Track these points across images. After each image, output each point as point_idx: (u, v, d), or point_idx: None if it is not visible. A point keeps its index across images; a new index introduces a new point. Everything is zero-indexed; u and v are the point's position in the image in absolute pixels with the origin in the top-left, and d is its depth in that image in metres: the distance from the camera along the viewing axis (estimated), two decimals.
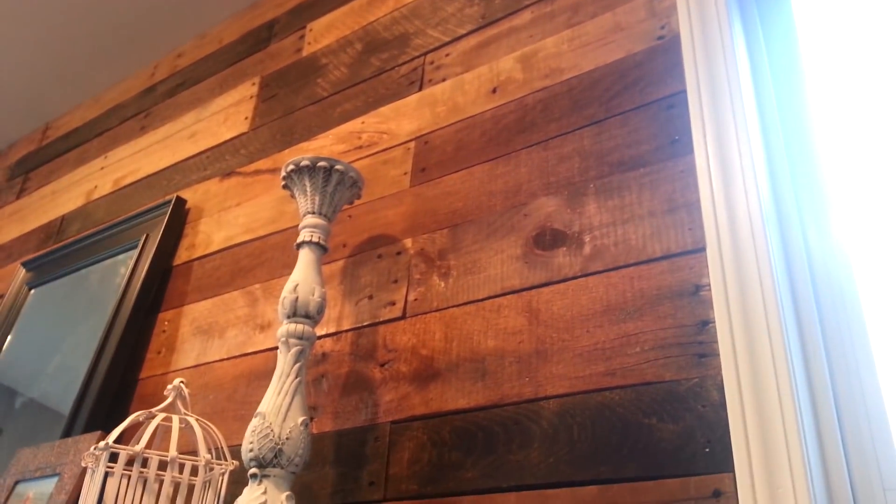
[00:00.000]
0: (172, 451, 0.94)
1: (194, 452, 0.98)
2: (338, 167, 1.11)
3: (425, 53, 1.45)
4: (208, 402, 1.30)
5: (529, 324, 1.00)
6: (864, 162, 1.00)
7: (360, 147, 1.42)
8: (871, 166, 0.99)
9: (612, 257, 0.98)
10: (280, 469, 0.91)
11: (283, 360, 0.98)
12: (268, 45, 1.88)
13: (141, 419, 1.01)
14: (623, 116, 1.09)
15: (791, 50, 1.10)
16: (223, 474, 0.99)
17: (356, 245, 1.29)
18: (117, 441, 0.95)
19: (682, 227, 0.95)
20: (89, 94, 2.43)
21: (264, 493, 0.89)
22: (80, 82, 2.39)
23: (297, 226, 1.12)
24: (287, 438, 0.92)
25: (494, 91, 1.28)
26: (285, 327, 1.00)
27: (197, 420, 1.01)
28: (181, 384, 1.05)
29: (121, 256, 1.69)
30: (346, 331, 1.19)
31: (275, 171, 1.56)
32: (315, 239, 1.08)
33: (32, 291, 1.88)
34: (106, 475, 0.93)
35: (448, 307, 1.09)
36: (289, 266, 1.34)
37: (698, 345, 0.86)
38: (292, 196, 1.15)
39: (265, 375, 1.24)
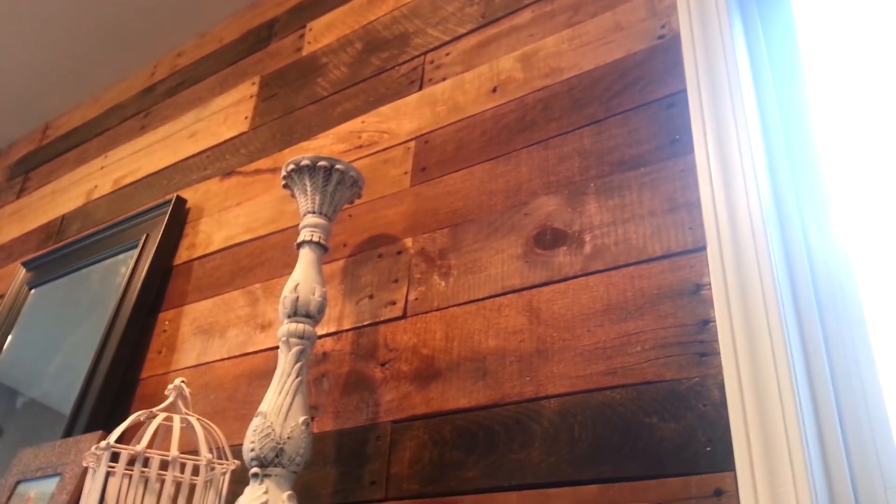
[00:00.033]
0: (174, 451, 0.94)
1: (195, 452, 0.98)
2: (338, 167, 1.11)
3: (425, 53, 1.45)
4: (209, 401, 1.30)
5: (530, 323, 1.00)
6: (865, 160, 1.00)
7: (361, 146, 1.42)
8: (872, 165, 0.99)
9: (613, 257, 0.98)
10: (281, 468, 0.91)
11: (284, 359, 0.99)
12: (268, 45, 1.88)
13: (142, 419, 1.01)
14: (623, 116, 1.09)
15: (791, 49, 1.10)
16: (224, 474, 0.99)
17: (357, 244, 1.29)
18: (118, 441, 0.95)
19: (683, 226, 0.95)
20: (89, 93, 2.43)
21: (266, 492, 0.89)
22: (79, 82, 2.39)
23: (298, 225, 1.12)
24: (288, 438, 0.92)
25: (495, 90, 1.28)
26: (286, 327, 1.00)
27: (198, 420, 1.01)
28: (182, 384, 1.05)
29: (121, 256, 1.69)
30: (347, 330, 1.20)
31: (275, 170, 1.56)
32: (315, 238, 1.08)
33: (33, 291, 1.88)
34: (107, 475, 0.93)
35: (449, 306, 1.09)
36: (289, 265, 1.34)
37: (699, 344, 0.86)
38: (293, 195, 1.15)
39: (266, 375, 1.24)
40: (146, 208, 1.72)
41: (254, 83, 1.81)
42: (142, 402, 1.40)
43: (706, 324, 0.86)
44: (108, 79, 2.37)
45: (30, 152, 2.53)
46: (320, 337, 1.21)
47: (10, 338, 1.82)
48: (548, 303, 1.00)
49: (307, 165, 1.10)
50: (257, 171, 1.60)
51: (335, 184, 1.11)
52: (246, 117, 1.75)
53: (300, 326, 1.00)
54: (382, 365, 1.11)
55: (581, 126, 1.13)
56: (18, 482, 1.28)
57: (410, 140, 1.35)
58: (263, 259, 1.43)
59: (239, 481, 1.05)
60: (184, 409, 1.03)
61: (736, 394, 0.78)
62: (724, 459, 0.77)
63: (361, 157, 1.40)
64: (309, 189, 1.11)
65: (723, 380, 0.81)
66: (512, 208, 1.13)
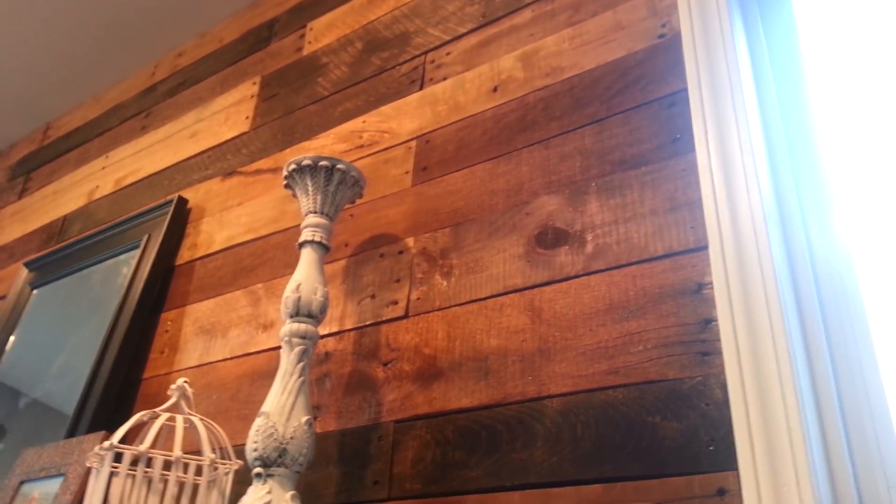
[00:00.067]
0: (177, 451, 0.95)
1: (198, 452, 0.98)
2: (339, 166, 1.11)
3: (426, 52, 1.45)
4: (212, 401, 1.30)
5: (532, 323, 1.00)
6: (866, 159, 1.00)
7: (362, 146, 1.43)
8: (873, 163, 0.99)
9: (615, 256, 0.98)
10: (284, 468, 0.91)
11: (287, 359, 0.99)
12: (268, 45, 1.88)
13: (145, 419, 1.01)
14: (624, 115, 1.09)
15: (792, 47, 1.10)
16: (228, 474, 0.99)
17: (358, 244, 1.29)
18: (122, 441, 0.96)
19: (684, 225, 0.95)
20: (90, 93, 2.43)
21: (269, 492, 0.89)
22: (80, 82, 2.39)
23: (299, 225, 1.12)
24: (291, 438, 0.92)
25: (495, 90, 1.28)
26: (288, 327, 1.01)
27: (201, 420, 1.02)
28: (185, 384, 1.05)
29: (123, 256, 1.69)
30: (349, 330, 1.20)
31: (276, 170, 1.56)
32: (317, 238, 1.08)
33: (35, 292, 1.88)
34: (111, 475, 0.93)
35: (450, 306, 1.10)
36: (291, 265, 1.35)
37: (701, 343, 0.86)
38: (294, 195, 1.15)
39: (268, 375, 1.24)
40: (148, 208, 1.72)
41: (254, 83, 1.81)
42: (144, 403, 1.41)
43: (708, 323, 0.86)
44: (109, 79, 2.37)
45: (31, 152, 2.53)
46: (322, 337, 1.21)
47: (12, 338, 1.82)
48: (550, 302, 1.00)
49: (308, 165, 1.10)
50: (258, 171, 1.60)
51: (336, 183, 1.12)
52: (247, 117, 1.75)
53: (302, 326, 1.00)
54: (385, 365, 1.12)
55: (582, 125, 1.13)
56: (22, 482, 1.28)
57: (411, 140, 1.35)
58: (265, 259, 1.43)
59: (242, 481, 1.06)
60: (186, 410, 1.04)
61: (738, 393, 0.79)
62: (726, 458, 0.77)
63: (362, 157, 1.40)
64: (310, 189, 1.11)
65: (725, 379, 0.81)
66: (513, 208, 1.13)
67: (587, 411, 0.89)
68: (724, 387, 0.81)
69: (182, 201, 1.69)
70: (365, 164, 1.38)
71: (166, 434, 1.01)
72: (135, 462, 0.94)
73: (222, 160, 1.72)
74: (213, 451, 0.99)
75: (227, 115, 1.82)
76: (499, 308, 1.04)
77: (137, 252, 1.64)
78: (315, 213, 1.10)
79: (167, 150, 1.92)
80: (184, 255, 1.62)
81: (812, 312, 0.88)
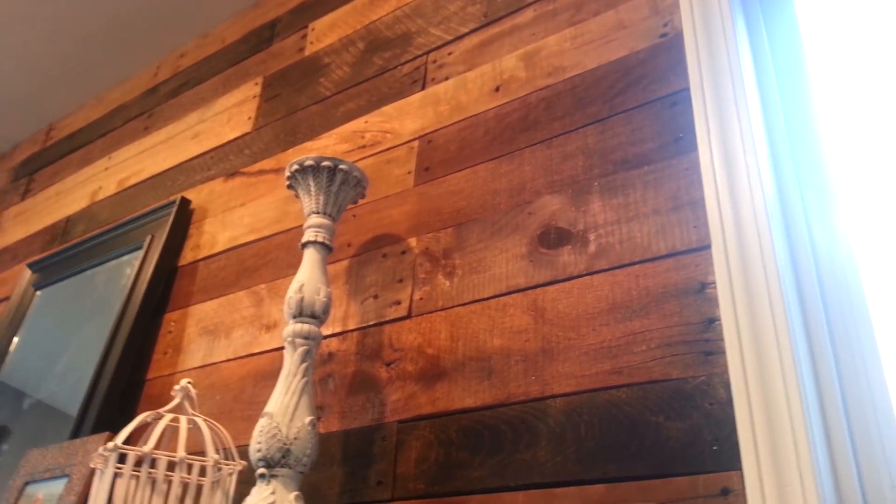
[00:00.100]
0: (181, 452, 0.95)
1: (202, 453, 0.98)
2: (342, 167, 1.11)
3: (428, 52, 1.45)
4: (215, 402, 1.31)
5: (535, 322, 1.00)
6: (869, 158, 1.00)
7: (364, 146, 1.43)
8: (876, 162, 0.99)
9: (618, 255, 0.98)
10: (288, 469, 0.91)
11: (290, 359, 0.99)
12: (270, 45, 1.88)
13: (149, 420, 1.02)
14: (626, 114, 1.09)
15: (794, 46, 1.09)
16: (231, 475, 0.99)
17: (361, 244, 1.29)
18: (125, 442, 0.96)
19: (687, 224, 0.95)
20: (92, 94, 2.44)
21: (273, 493, 0.89)
22: (82, 83, 2.39)
23: (302, 226, 1.12)
24: (295, 438, 0.92)
25: (497, 90, 1.28)
26: (291, 327, 1.01)
27: (204, 420, 1.02)
28: (188, 385, 1.05)
29: (126, 257, 1.70)
30: (352, 330, 1.20)
31: (279, 170, 1.56)
32: (320, 239, 1.08)
33: (38, 293, 1.89)
34: (115, 476, 0.94)
35: (453, 306, 1.10)
36: (294, 266, 1.35)
37: (705, 342, 0.86)
38: (296, 196, 1.15)
39: (272, 375, 1.24)
40: (151, 209, 1.73)
41: (256, 83, 1.82)
42: (148, 403, 1.41)
43: (711, 322, 0.86)
44: (112, 80, 2.37)
45: (34, 154, 2.53)
46: (325, 337, 1.21)
47: (16, 339, 1.82)
48: (553, 302, 1.00)
49: (311, 166, 1.10)
50: (261, 172, 1.61)
51: (339, 184, 1.12)
52: (249, 118, 1.75)
53: (305, 327, 1.00)
54: (388, 365, 1.12)
55: (584, 125, 1.13)
56: (27, 483, 1.28)
57: (413, 140, 1.35)
58: (268, 259, 1.43)
59: (246, 482, 1.06)
60: (190, 410, 1.04)
61: (742, 392, 0.78)
62: (730, 458, 0.77)
63: (365, 157, 1.40)
64: (313, 189, 1.11)
65: (729, 378, 0.81)
66: (516, 207, 1.13)
67: (591, 411, 0.89)
68: (727, 386, 0.81)
69: (185, 202, 1.70)
70: (367, 164, 1.38)
71: (170, 435, 1.01)
72: (139, 463, 0.94)
73: (225, 161, 1.73)
74: (217, 451, 0.99)
75: (229, 115, 1.82)
76: (502, 308, 1.04)
77: (140, 253, 1.64)
78: (318, 213, 1.10)
79: (170, 151, 1.92)
80: (187, 256, 1.62)
81: (815, 311, 0.88)
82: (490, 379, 1.00)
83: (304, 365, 0.98)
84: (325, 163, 1.10)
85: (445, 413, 1.01)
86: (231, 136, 1.76)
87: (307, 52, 1.75)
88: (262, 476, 0.91)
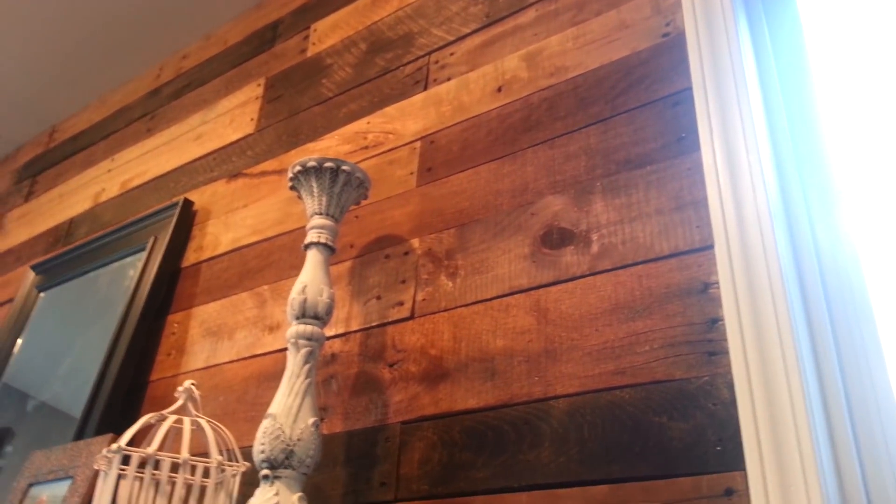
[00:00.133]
0: (184, 453, 0.95)
1: (206, 454, 0.98)
2: (344, 168, 1.11)
3: (430, 53, 1.45)
4: (218, 403, 1.31)
5: (538, 323, 1.00)
6: (872, 157, 1.00)
7: (366, 147, 1.43)
8: (879, 161, 0.99)
9: (620, 256, 0.98)
10: (291, 470, 0.91)
11: (293, 361, 0.99)
12: (272, 46, 1.88)
13: (152, 421, 1.02)
14: (629, 114, 1.09)
15: (797, 45, 1.09)
16: (235, 476, 0.99)
17: (363, 245, 1.29)
18: (129, 443, 0.96)
19: (690, 224, 0.94)
20: (95, 96, 2.44)
21: (276, 494, 0.89)
22: (85, 84, 2.40)
23: (305, 227, 1.12)
24: (298, 439, 0.92)
25: (499, 90, 1.28)
26: (294, 328, 1.01)
27: (208, 422, 1.02)
28: (192, 386, 1.06)
29: (129, 259, 1.70)
30: (355, 331, 1.20)
31: (281, 172, 1.56)
32: (322, 240, 1.08)
33: (42, 295, 1.89)
34: (118, 477, 0.94)
35: (456, 307, 1.10)
36: (296, 267, 1.35)
37: (708, 343, 0.85)
38: (299, 197, 1.15)
39: (275, 377, 1.24)
40: (154, 211, 1.73)
41: (259, 85, 1.82)
42: (152, 405, 1.41)
43: (715, 322, 0.86)
44: (114, 81, 2.38)
45: (37, 156, 2.54)
46: (328, 338, 1.21)
47: (19, 341, 1.83)
48: (555, 302, 1.00)
49: (313, 167, 1.10)
50: (263, 173, 1.61)
51: (341, 185, 1.12)
52: (252, 119, 1.76)
53: (308, 328, 1.00)
54: (391, 366, 1.12)
55: (586, 125, 1.13)
56: (31, 485, 1.28)
57: (416, 140, 1.35)
58: (271, 261, 1.43)
59: (249, 483, 1.06)
60: (194, 412, 1.04)
61: (745, 392, 0.78)
62: (734, 459, 0.77)
63: (367, 158, 1.40)
64: (315, 190, 1.11)
65: (732, 378, 0.81)
66: (518, 208, 1.13)
67: (594, 412, 0.89)
68: (731, 386, 0.81)
69: (188, 203, 1.70)
70: (370, 165, 1.39)
71: (174, 436, 1.01)
72: (142, 464, 0.94)
73: (227, 162, 1.73)
74: (221, 453, 1.00)
75: (231, 116, 1.83)
76: (504, 308, 1.04)
77: (144, 254, 1.64)
78: (320, 214, 1.10)
79: (173, 153, 1.92)
80: (190, 258, 1.62)
81: (819, 311, 0.88)
82: (493, 380, 1.00)
83: (308, 366, 0.98)
84: (328, 164, 1.10)
85: (448, 414, 1.01)
86: (234, 138, 1.76)
87: (309, 53, 1.75)
88: (266, 477, 0.91)
